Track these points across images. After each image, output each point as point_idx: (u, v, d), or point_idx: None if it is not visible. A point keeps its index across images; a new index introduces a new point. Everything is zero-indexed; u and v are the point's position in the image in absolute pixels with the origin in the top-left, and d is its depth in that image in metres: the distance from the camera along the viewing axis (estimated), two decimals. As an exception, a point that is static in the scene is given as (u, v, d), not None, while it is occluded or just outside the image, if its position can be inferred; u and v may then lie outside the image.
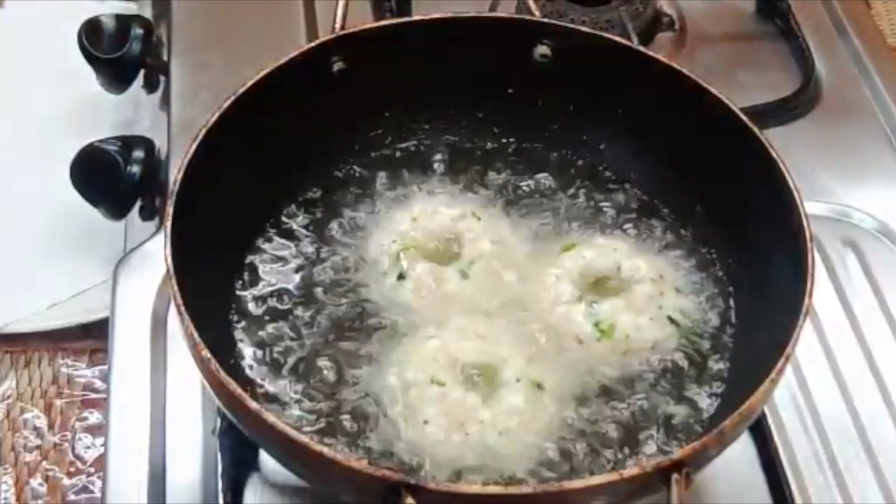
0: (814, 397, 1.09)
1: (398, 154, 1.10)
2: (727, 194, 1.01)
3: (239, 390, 0.80)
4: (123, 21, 1.36)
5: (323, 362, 0.94)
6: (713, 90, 0.99)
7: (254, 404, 0.80)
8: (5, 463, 1.18)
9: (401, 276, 0.99)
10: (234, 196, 0.97)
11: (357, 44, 1.02)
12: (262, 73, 0.97)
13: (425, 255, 1.00)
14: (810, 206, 0.93)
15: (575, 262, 1.00)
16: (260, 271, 1.00)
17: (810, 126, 1.33)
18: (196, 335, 0.83)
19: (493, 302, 0.99)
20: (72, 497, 1.16)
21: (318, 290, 0.99)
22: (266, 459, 0.99)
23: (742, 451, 1.02)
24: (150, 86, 1.42)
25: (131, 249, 1.17)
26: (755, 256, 0.98)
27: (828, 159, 1.28)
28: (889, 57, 1.41)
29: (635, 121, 1.06)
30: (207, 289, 0.92)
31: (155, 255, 1.12)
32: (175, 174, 0.90)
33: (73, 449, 1.19)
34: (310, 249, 1.02)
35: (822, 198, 1.24)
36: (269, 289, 0.99)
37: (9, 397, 1.23)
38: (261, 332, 0.96)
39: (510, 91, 1.09)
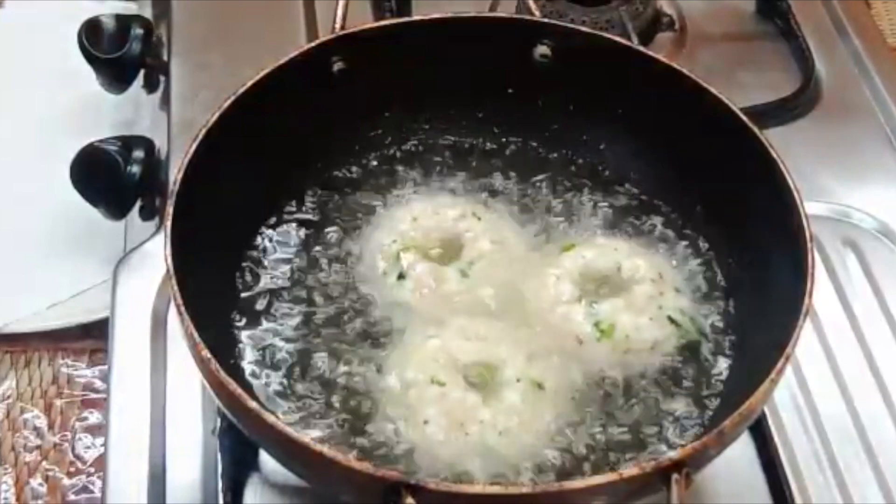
0: (814, 397, 1.09)
1: (398, 154, 1.10)
2: (727, 194, 1.01)
3: (239, 390, 0.80)
4: (123, 21, 1.36)
5: (323, 362, 0.94)
6: (713, 90, 0.99)
7: (254, 404, 0.80)
8: (5, 463, 1.18)
9: (401, 276, 0.99)
10: (234, 196, 0.97)
11: (357, 44, 1.02)
12: (262, 73, 0.97)
13: (425, 254, 1.00)
14: (810, 206, 0.94)
15: (575, 262, 1.00)
16: (260, 271, 1.00)
17: (810, 126, 1.33)
18: (196, 335, 0.83)
19: (493, 302, 0.99)
20: (72, 497, 1.16)
21: (318, 290, 0.99)
22: (266, 459, 0.99)
23: (742, 451, 1.02)
24: (150, 86, 1.42)
25: (131, 249, 1.17)
26: (755, 256, 0.98)
27: (828, 159, 1.28)
28: (889, 57, 1.41)
29: (635, 121, 1.06)
30: (207, 289, 0.92)
31: (155, 255, 1.12)
32: (175, 174, 0.90)
33: (73, 449, 1.19)
34: (310, 249, 1.02)
35: (822, 198, 1.24)
36: (269, 288, 0.99)
37: (9, 397, 1.23)
38: (261, 332, 0.96)
39: (510, 91, 1.09)
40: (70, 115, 1.44)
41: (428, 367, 0.92)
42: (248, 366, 0.94)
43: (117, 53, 1.33)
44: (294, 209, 1.04)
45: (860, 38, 1.42)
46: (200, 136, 0.93)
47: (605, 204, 1.07)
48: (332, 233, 1.03)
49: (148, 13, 1.47)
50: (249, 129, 0.97)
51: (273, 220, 1.03)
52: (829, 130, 1.32)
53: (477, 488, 0.82)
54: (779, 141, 0.96)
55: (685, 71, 1.01)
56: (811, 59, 1.37)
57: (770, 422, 1.05)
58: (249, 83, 0.97)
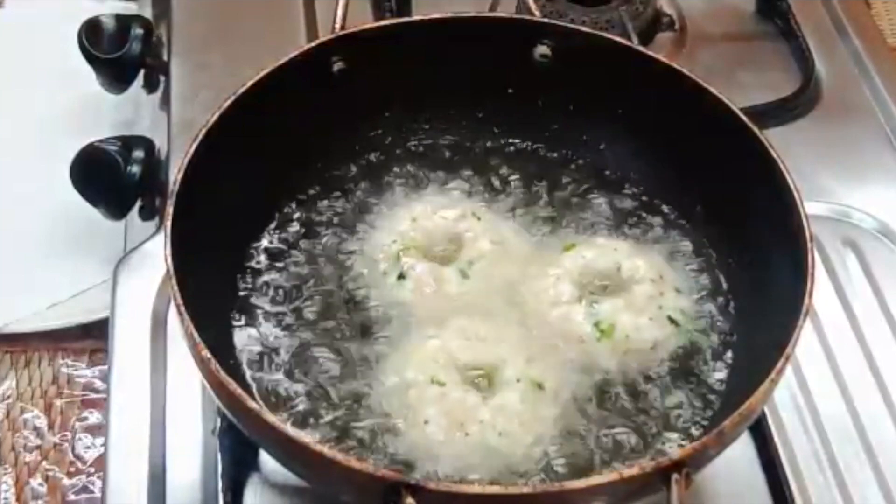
0: (814, 397, 1.09)
1: (398, 154, 1.10)
2: (727, 194, 1.01)
3: (239, 390, 0.80)
4: (123, 21, 1.36)
5: (322, 362, 0.94)
6: (713, 90, 0.99)
7: (254, 404, 0.80)
8: (5, 463, 1.18)
9: (401, 276, 0.99)
10: (234, 196, 0.97)
11: (357, 44, 1.02)
12: (262, 73, 0.97)
13: (425, 255, 1.00)
14: (810, 206, 0.94)
15: (575, 262, 1.00)
16: (260, 271, 1.00)
17: (810, 126, 1.33)
18: (196, 335, 0.83)
19: (493, 302, 0.99)
20: (72, 497, 1.16)
21: (318, 290, 0.99)
22: (266, 459, 0.99)
23: (742, 451, 1.02)
24: (150, 86, 1.42)
25: (131, 249, 1.17)
26: (755, 256, 0.98)
27: (828, 159, 1.28)
28: (889, 57, 1.41)
29: (635, 121, 1.06)
30: (207, 289, 0.92)
31: (155, 255, 1.12)
32: (175, 174, 0.90)
33: (73, 449, 1.19)
34: (310, 249, 1.02)
35: (822, 198, 1.24)
36: (269, 288, 0.99)
37: (9, 397, 1.23)
38: (261, 332, 0.96)
39: (510, 91, 1.09)
40: (70, 115, 1.44)
41: (428, 367, 0.92)
42: (248, 366, 0.94)
43: (117, 53, 1.34)
44: (294, 209, 1.04)
45: (860, 38, 1.42)
46: (200, 136, 0.93)
47: (605, 204, 1.07)
48: (331, 233, 1.03)
49: (148, 13, 1.47)
50: (249, 129, 0.97)
51: (273, 220, 1.03)
52: (829, 130, 1.32)
53: (477, 488, 0.82)
54: (779, 141, 0.96)
55: (685, 71, 1.01)
56: (811, 59, 1.37)
57: (770, 422, 1.05)
58: (249, 83, 0.97)
